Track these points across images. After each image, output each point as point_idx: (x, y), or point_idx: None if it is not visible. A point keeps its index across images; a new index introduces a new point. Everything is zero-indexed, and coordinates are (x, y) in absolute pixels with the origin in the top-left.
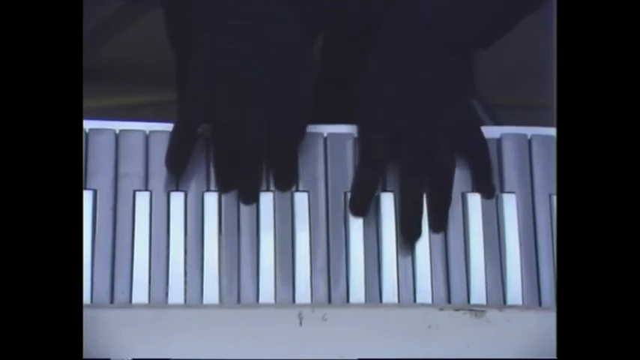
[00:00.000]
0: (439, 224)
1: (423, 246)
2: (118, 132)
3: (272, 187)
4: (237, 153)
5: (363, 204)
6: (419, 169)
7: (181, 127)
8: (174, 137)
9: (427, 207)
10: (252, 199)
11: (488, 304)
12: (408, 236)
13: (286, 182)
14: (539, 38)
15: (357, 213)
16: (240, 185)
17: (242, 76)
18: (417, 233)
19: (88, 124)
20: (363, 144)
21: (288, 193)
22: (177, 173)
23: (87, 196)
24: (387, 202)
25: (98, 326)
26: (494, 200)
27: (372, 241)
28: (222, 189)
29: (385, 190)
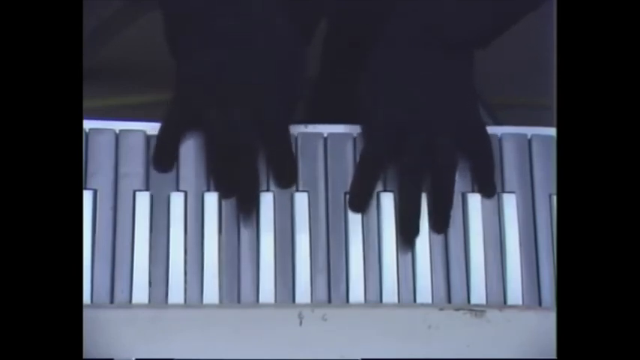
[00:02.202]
0: (440, 226)
1: (423, 246)
2: (118, 132)
3: (272, 187)
4: (230, 155)
5: (363, 202)
6: (419, 169)
7: (168, 127)
8: (161, 136)
9: (428, 208)
10: (252, 204)
11: (489, 304)
12: (406, 237)
13: (285, 181)
14: (539, 38)
15: (356, 210)
16: (238, 190)
17: (232, 76)
18: (415, 235)
19: (88, 124)
20: (364, 143)
21: (288, 193)
22: (166, 171)
23: (87, 196)
24: (387, 202)
25: (98, 326)
26: (494, 200)
27: (372, 241)
28: (220, 192)
29: (385, 190)
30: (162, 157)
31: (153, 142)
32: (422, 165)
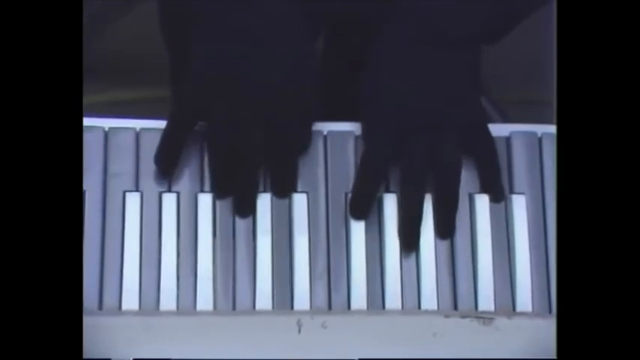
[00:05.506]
0: (445, 232)
1: (428, 249)
2: (107, 130)
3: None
4: (233, 156)
5: (364, 207)
6: (421, 172)
7: (174, 125)
8: (166, 135)
9: (433, 212)
10: (248, 208)
11: (497, 311)
12: (407, 244)
13: (284, 187)
14: (552, 32)
15: (357, 217)
16: (236, 190)
17: (240, 75)
18: (416, 241)
19: None
20: (365, 144)
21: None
22: (167, 173)
23: None
24: (390, 204)
25: (86, 333)
26: (502, 201)
27: (375, 245)
28: (217, 193)
29: (388, 191)
30: (167, 155)
31: (143, 140)
32: (425, 167)
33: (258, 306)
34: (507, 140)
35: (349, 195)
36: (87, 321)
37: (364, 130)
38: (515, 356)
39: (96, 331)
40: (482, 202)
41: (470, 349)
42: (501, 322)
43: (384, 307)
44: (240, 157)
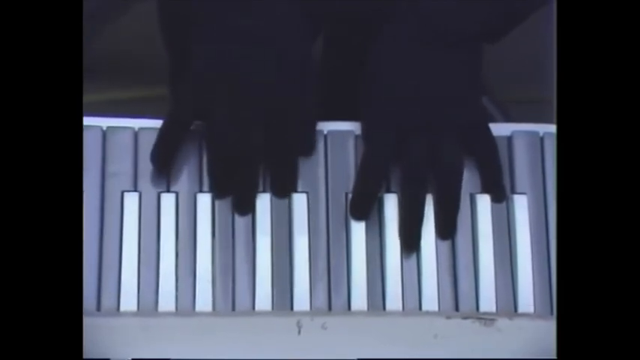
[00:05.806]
0: (446, 233)
1: (429, 250)
2: (105, 129)
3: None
4: (232, 156)
5: (365, 208)
6: (422, 172)
7: (171, 124)
8: (163, 134)
9: (434, 213)
10: (248, 206)
11: (498, 312)
12: (408, 244)
13: (284, 187)
14: (552, 32)
15: (358, 217)
16: (235, 190)
17: (240, 75)
18: (417, 242)
19: None
20: (366, 144)
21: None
22: (163, 171)
23: None
24: (391, 204)
25: (85, 334)
26: (504, 201)
27: (375, 245)
28: (216, 193)
29: (389, 192)
30: (164, 153)
31: (142, 140)
32: (425, 167)
33: (258, 307)
34: (509, 140)
35: (349, 195)
36: (85, 322)
37: (364, 130)
38: (516, 357)
39: (95, 331)
40: (484, 202)
41: (471, 350)
42: (503, 323)
43: (384, 308)
44: (240, 157)
